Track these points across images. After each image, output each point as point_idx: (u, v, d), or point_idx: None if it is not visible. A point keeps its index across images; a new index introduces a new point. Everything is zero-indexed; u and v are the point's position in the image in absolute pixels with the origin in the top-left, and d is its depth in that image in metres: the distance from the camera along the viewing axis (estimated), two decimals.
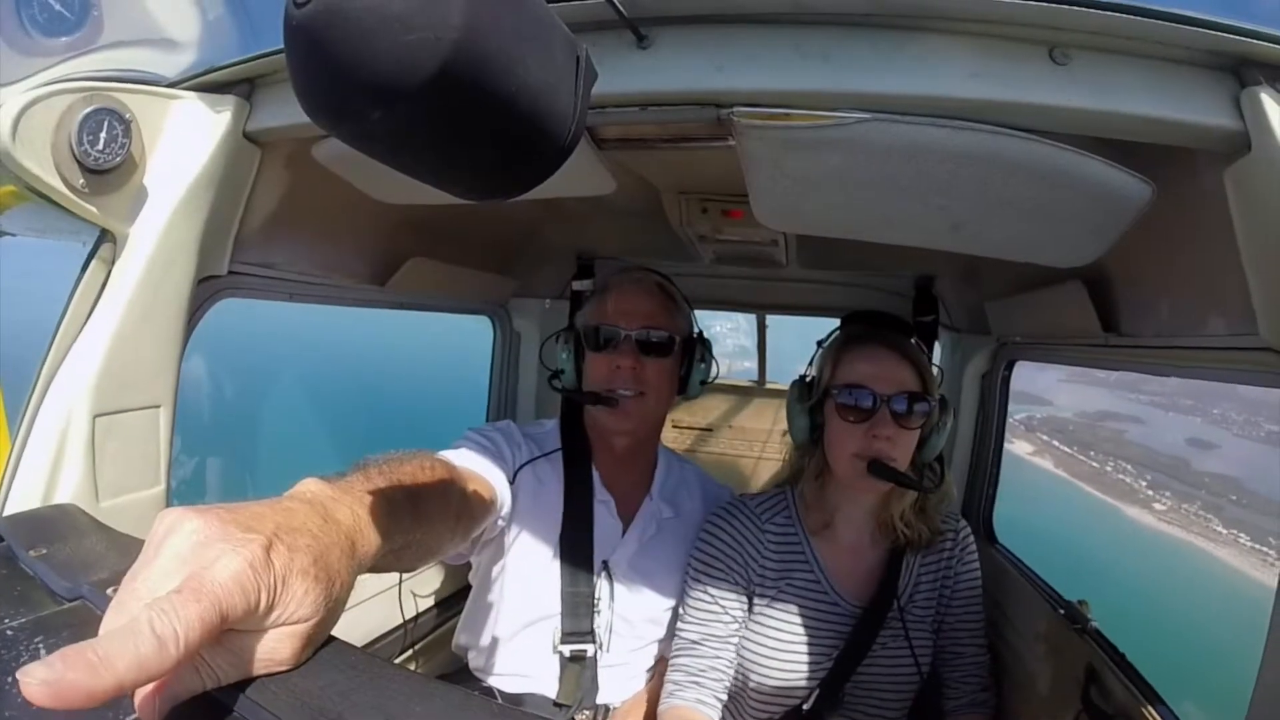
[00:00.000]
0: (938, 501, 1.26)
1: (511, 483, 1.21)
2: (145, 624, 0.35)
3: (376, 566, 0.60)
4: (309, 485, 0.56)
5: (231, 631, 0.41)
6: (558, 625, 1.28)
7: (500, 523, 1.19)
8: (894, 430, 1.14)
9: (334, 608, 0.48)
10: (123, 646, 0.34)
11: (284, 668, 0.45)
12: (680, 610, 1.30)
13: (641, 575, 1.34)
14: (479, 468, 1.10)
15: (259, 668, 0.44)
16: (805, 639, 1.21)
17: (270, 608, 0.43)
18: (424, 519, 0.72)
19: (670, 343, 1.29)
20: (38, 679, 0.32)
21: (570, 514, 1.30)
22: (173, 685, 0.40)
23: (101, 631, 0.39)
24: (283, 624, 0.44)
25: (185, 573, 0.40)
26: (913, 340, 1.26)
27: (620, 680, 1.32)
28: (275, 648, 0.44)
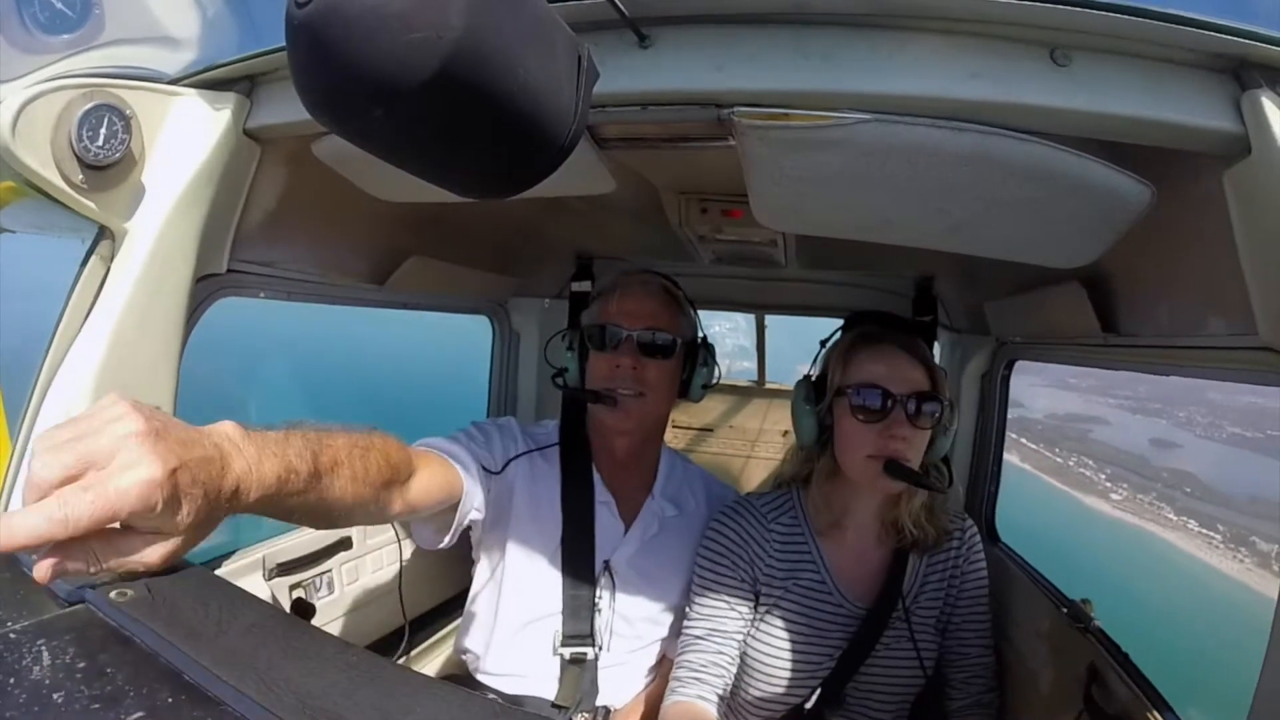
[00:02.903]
0: (943, 502, 1.26)
1: (500, 472, 1.21)
2: (54, 507, 0.46)
3: (272, 511, 0.68)
4: (224, 427, 0.62)
5: (119, 529, 0.52)
6: (558, 627, 1.28)
7: (475, 513, 1.16)
8: (909, 430, 1.14)
9: (204, 531, 0.58)
10: (28, 520, 0.46)
11: (150, 570, 0.55)
12: (686, 608, 1.30)
13: (642, 575, 1.34)
14: (444, 448, 1.11)
15: (129, 564, 0.54)
16: (809, 639, 1.21)
17: (157, 519, 0.52)
18: (325, 476, 0.73)
19: (672, 345, 1.29)
20: None
21: (571, 515, 1.30)
22: (63, 560, 0.51)
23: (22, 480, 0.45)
24: (161, 534, 0.54)
25: (99, 463, 0.49)
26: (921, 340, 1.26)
27: (620, 681, 1.32)
28: (148, 551, 0.54)
